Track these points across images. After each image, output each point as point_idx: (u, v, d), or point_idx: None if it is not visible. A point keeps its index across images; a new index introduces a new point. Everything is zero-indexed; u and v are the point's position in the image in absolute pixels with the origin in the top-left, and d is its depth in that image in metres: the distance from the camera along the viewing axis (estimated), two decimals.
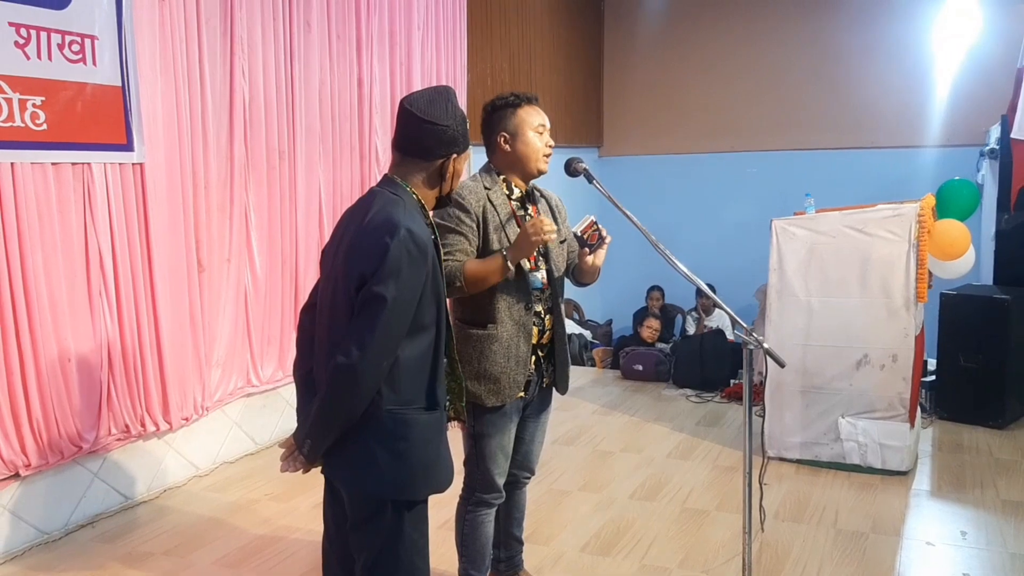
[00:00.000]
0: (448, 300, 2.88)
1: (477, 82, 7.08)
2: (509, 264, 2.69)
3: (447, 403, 2.42)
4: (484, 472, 2.92)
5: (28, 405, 3.70)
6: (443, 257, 2.62)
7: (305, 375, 2.34)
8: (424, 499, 2.29)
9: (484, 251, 2.78)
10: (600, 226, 2.86)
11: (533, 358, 2.91)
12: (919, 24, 8.46)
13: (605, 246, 2.89)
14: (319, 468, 2.28)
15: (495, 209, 2.80)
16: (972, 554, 3.73)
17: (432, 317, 2.22)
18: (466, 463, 2.96)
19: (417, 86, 5.97)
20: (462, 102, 6.60)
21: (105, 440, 4.07)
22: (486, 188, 2.81)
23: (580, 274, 3.04)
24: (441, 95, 2.29)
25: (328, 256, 2.31)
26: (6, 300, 3.59)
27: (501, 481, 2.96)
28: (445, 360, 2.35)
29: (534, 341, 2.88)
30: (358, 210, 2.26)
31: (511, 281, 2.79)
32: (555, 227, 2.71)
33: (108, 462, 4.15)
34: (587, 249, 2.86)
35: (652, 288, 8.70)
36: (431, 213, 2.33)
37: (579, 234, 2.83)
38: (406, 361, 2.17)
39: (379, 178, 2.37)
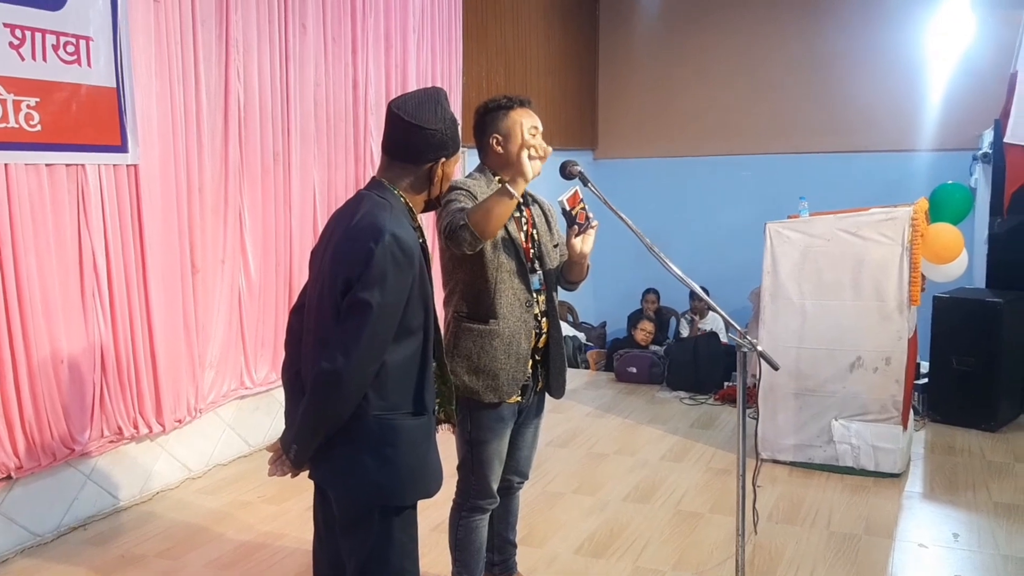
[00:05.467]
0: (446, 294, 2.87)
1: (472, 84, 7.08)
2: (509, 187, 2.55)
3: (436, 407, 2.39)
4: (480, 478, 2.91)
5: (20, 407, 3.69)
6: (448, 209, 2.59)
7: (293, 376, 2.32)
8: (413, 504, 2.27)
9: (493, 250, 2.76)
10: (586, 205, 2.79)
11: (530, 361, 2.89)
12: (912, 28, 8.48)
13: (592, 230, 2.81)
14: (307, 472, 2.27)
15: None
16: (964, 556, 3.74)
17: (419, 322, 2.20)
18: (460, 468, 2.94)
19: (412, 88, 5.94)
20: (457, 104, 6.61)
21: (97, 442, 4.06)
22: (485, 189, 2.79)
23: (568, 269, 2.94)
24: (431, 97, 2.24)
25: (316, 258, 2.30)
26: None
27: (496, 486, 2.96)
28: (434, 364, 2.33)
29: (531, 343, 2.87)
30: (345, 213, 2.24)
31: (513, 278, 2.79)
32: (548, 148, 2.70)
33: (100, 464, 4.14)
34: (575, 228, 2.77)
35: (647, 291, 8.71)
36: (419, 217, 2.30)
37: (566, 207, 2.75)
38: (393, 366, 2.14)
39: None
